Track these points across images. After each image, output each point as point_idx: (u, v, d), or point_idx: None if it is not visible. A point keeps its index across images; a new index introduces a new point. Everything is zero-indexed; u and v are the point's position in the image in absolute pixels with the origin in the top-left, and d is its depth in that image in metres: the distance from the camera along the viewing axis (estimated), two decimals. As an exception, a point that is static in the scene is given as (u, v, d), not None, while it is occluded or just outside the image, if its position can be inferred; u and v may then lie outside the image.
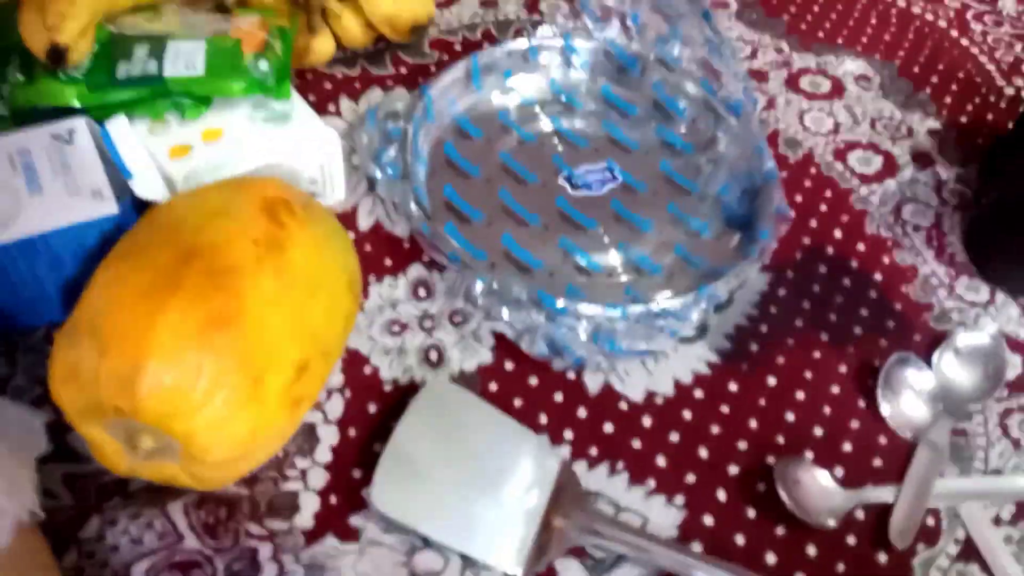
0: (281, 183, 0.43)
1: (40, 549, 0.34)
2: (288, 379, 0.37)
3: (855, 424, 0.47)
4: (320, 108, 0.58)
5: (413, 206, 0.50)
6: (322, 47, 0.57)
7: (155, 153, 0.46)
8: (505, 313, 0.47)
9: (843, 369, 0.50)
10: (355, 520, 0.40)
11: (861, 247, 0.56)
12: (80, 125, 0.45)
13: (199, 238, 0.37)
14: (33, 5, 0.44)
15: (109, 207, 0.42)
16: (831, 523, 0.42)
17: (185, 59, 0.47)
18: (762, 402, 0.48)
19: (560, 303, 0.46)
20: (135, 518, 0.39)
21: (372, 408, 0.45)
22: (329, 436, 0.44)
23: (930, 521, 0.44)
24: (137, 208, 0.44)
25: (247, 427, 0.36)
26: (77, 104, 0.46)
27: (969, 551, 0.43)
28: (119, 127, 0.45)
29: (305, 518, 0.40)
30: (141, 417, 0.34)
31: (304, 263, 0.39)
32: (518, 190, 0.56)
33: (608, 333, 0.46)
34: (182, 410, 0.34)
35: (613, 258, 0.53)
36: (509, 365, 0.48)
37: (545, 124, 0.60)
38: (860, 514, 0.44)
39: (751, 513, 0.43)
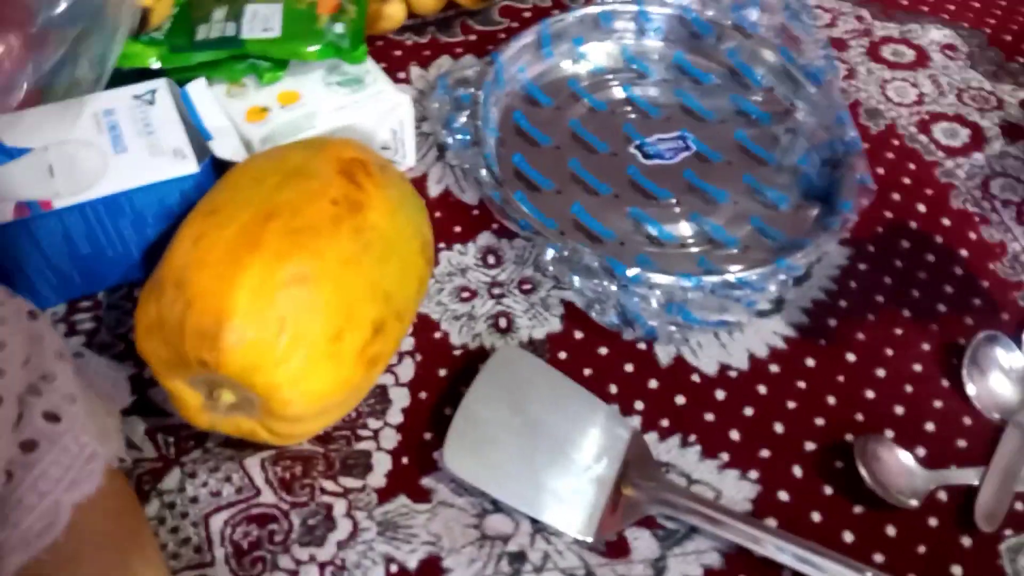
0: (358, 144, 0.43)
1: (127, 492, 0.35)
2: (365, 338, 0.37)
3: (938, 404, 0.46)
4: (390, 75, 0.58)
5: (484, 172, 0.50)
6: (394, 12, 0.57)
7: (233, 115, 0.47)
8: (576, 281, 0.46)
9: (926, 347, 0.48)
10: (426, 481, 0.41)
11: (946, 222, 0.54)
12: (162, 86, 0.46)
13: (279, 197, 0.37)
14: (118, -33, 0.45)
15: (190, 166, 0.43)
16: (913, 503, 0.41)
17: (262, 21, 0.47)
18: (841, 379, 0.46)
19: (632, 271, 0.46)
20: (214, 471, 0.40)
21: (442, 372, 0.45)
22: (400, 398, 0.44)
23: (1019, 506, 0.42)
24: (217, 169, 0.44)
25: (326, 383, 0.36)
26: (158, 66, 0.46)
27: (1060, 538, 0.41)
28: (199, 89, 0.46)
29: (377, 477, 0.41)
30: (224, 370, 0.35)
31: (380, 224, 0.39)
32: (588, 159, 0.55)
33: (681, 303, 0.45)
34: (264, 364, 0.35)
35: (685, 229, 0.52)
36: (578, 334, 0.47)
37: (616, 92, 0.59)
38: (943, 496, 0.42)
39: (828, 490, 0.42)
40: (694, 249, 0.51)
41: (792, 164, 0.55)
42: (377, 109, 0.48)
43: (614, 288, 0.46)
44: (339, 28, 0.48)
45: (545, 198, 0.52)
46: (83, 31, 0.41)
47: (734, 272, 0.47)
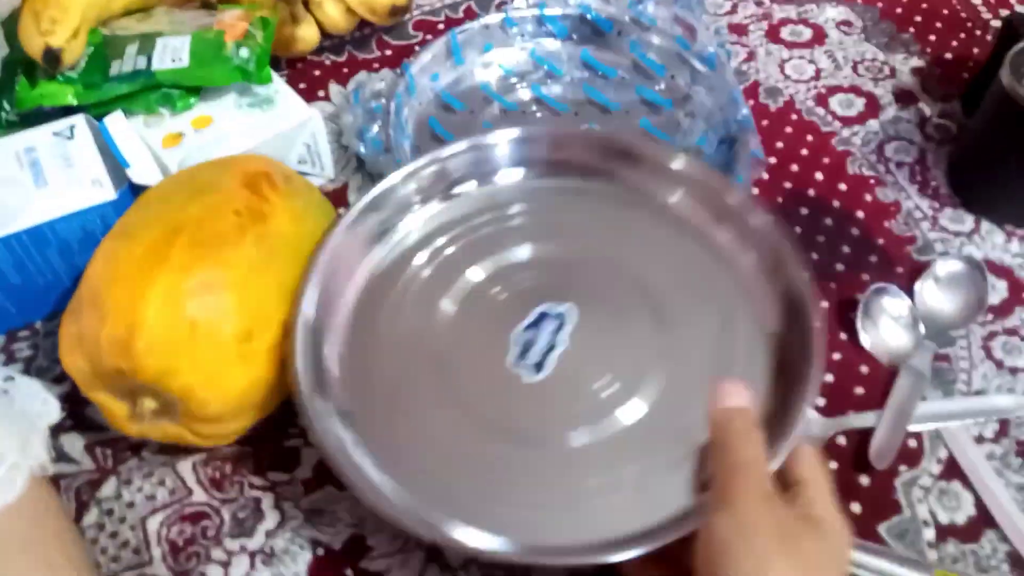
0: (263, 158, 0.45)
1: (50, 497, 0.37)
2: (275, 337, 0.40)
3: (837, 356, 0.48)
4: (310, 94, 0.61)
5: None
6: (307, 35, 0.59)
7: (150, 143, 0.49)
8: None
9: (825, 304, 0.51)
10: (352, 469, 0.43)
11: (843, 187, 0.57)
12: (79, 121, 0.48)
13: (185, 213, 0.40)
14: (30, 13, 0.47)
15: (108, 194, 0.45)
16: (811, 449, 0.43)
17: (172, 53, 0.50)
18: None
19: None
20: (148, 476, 0.42)
21: (366, 368, 0.47)
22: (327, 396, 0.46)
23: (912, 443, 0.45)
24: (135, 194, 0.47)
25: (240, 381, 0.39)
26: (75, 103, 0.49)
27: (951, 470, 0.44)
28: (116, 121, 0.48)
29: (305, 470, 0.43)
30: (141, 376, 0.37)
31: (285, 231, 0.42)
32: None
33: None
34: (178, 367, 0.37)
35: None
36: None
37: (525, 93, 0.62)
38: (842, 440, 0.45)
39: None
40: None
41: (692, 145, 0.57)
42: (288, 125, 0.51)
43: None
44: (244, 53, 0.50)
45: None
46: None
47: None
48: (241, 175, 0.43)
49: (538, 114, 0.60)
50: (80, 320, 0.38)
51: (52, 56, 0.47)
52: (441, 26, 0.67)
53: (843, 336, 0.49)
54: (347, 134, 0.57)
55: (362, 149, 0.55)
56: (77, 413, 0.44)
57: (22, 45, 0.48)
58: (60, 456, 0.43)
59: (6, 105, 0.50)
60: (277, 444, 0.44)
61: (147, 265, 0.38)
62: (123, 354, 0.37)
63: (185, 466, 0.43)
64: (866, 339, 0.48)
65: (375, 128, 0.55)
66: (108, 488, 0.42)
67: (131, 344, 0.36)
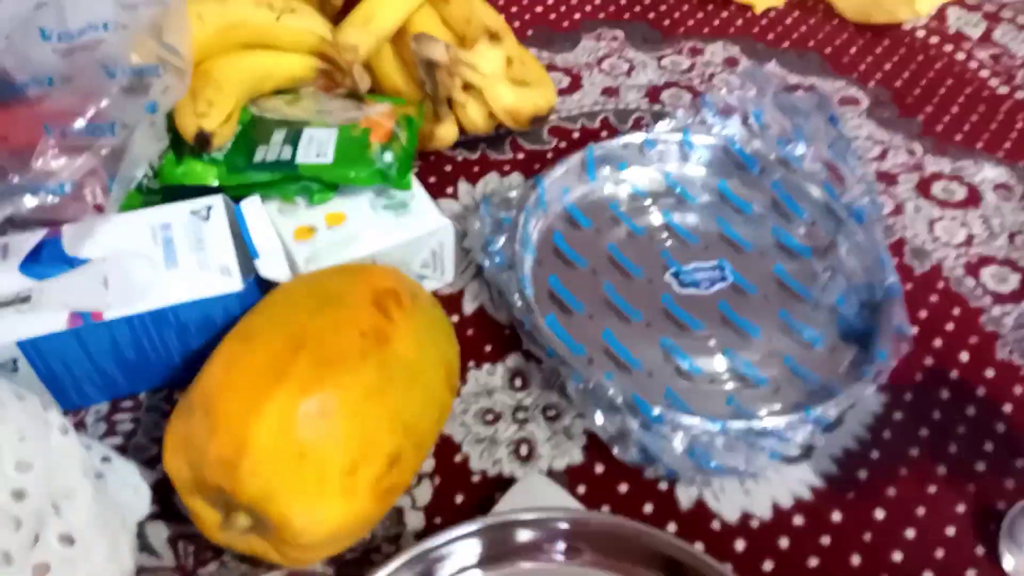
0: (393, 273, 0.44)
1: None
2: (380, 470, 0.38)
3: (971, 574, 0.44)
4: (438, 189, 0.61)
5: (516, 297, 0.51)
6: (446, 134, 0.59)
7: (282, 232, 0.49)
8: (599, 417, 0.46)
9: (961, 509, 0.46)
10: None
11: (990, 373, 0.52)
12: (217, 203, 0.49)
13: (310, 326, 0.39)
14: (189, 94, 0.48)
15: (235, 284, 0.45)
16: None
17: (317, 147, 0.50)
18: (867, 537, 0.45)
19: (656, 411, 0.45)
20: (227, 587, 0.41)
21: (459, 498, 0.45)
22: (415, 522, 0.44)
23: None
24: (261, 286, 0.46)
25: (338, 515, 0.37)
26: (216, 184, 0.49)
27: None
28: (252, 207, 0.48)
29: (384, 606, 0.41)
30: (240, 498, 0.36)
31: (406, 355, 0.40)
32: (623, 284, 0.55)
33: (705, 447, 0.45)
34: (279, 495, 0.36)
35: (718, 363, 0.51)
36: (599, 468, 0.47)
37: (656, 217, 0.60)
38: (972, 677, 0.40)
39: (847, 661, 0.40)
40: (726, 386, 0.50)
41: (830, 303, 0.54)
42: (419, 232, 0.50)
43: (637, 425, 0.46)
44: (388, 157, 0.50)
45: (577, 321, 0.53)
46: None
47: (763, 416, 0.46)
48: (370, 291, 0.42)
49: (667, 241, 0.58)
50: (190, 424, 0.37)
51: (204, 139, 0.48)
52: (576, 134, 0.66)
53: (980, 551, 0.44)
54: (472, 241, 0.56)
55: (486, 262, 0.53)
56: (166, 500, 0.44)
57: (176, 123, 0.49)
58: (143, 546, 0.42)
59: (150, 173, 0.51)
60: (360, 570, 0.42)
61: (265, 379, 0.37)
62: (228, 473, 0.36)
63: (265, 581, 0.41)
64: (1009, 562, 0.43)
65: (501, 241, 0.54)
66: (185, 592, 0.41)
67: (238, 464, 0.35)
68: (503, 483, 0.46)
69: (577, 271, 0.56)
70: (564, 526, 0.40)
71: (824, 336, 0.53)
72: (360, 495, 0.37)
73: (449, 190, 0.61)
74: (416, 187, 0.52)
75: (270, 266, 0.46)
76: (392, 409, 0.39)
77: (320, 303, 0.41)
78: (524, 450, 0.48)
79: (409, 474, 0.40)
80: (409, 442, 0.40)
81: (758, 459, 0.45)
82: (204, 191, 0.49)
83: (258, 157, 0.50)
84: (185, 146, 0.50)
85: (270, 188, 0.50)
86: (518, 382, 0.51)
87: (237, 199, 0.49)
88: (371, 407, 0.38)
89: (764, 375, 0.51)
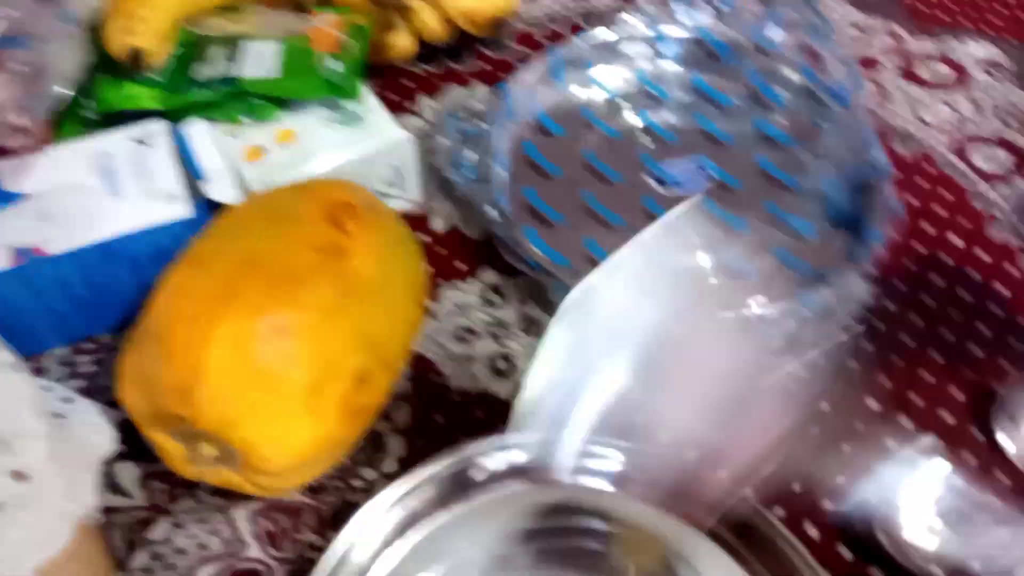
0: (349, 186, 0.42)
1: (94, 550, 0.34)
2: (348, 389, 0.36)
3: (968, 457, 0.42)
4: (399, 106, 0.57)
5: (491, 210, 0.49)
6: (400, 43, 0.56)
7: (231, 154, 0.46)
8: None
9: (956, 393, 0.45)
10: (416, 536, 0.39)
11: (984, 256, 0.50)
12: (160, 128, 0.46)
13: (261, 245, 0.37)
14: (116, 10, 0.45)
15: (183, 210, 0.42)
16: (937, 571, 0.38)
17: (261, 61, 0.47)
18: (859, 427, 0.43)
19: None
20: (202, 523, 0.39)
21: (440, 419, 0.44)
22: (396, 446, 0.43)
23: (1056, 572, 0.39)
24: (211, 211, 0.44)
25: (306, 437, 0.35)
26: (157, 107, 0.46)
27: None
28: (196, 130, 0.46)
29: (366, 531, 0.39)
30: (201, 425, 0.34)
31: (366, 271, 0.38)
32: (602, 190, 0.53)
33: None
34: (240, 419, 0.34)
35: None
36: (582, 377, 0.45)
37: (631, 119, 0.57)
38: (976, 566, 0.39)
39: (846, 554, 0.39)
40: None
41: (817, 190, 0.52)
42: (376, 147, 0.47)
43: None
44: (337, 67, 0.47)
45: (557, 233, 0.51)
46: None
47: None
48: (323, 205, 0.39)
49: (644, 142, 0.55)
50: (143, 354, 0.35)
51: (136, 57, 0.45)
52: (545, 40, 0.63)
53: (978, 435, 0.43)
54: (439, 158, 0.53)
55: (456, 177, 0.51)
56: (134, 439, 0.42)
57: (105, 43, 0.45)
58: (113, 487, 0.40)
59: (90, 103, 0.48)
60: (340, 498, 0.40)
61: (216, 302, 0.35)
62: (184, 401, 0.34)
63: (241, 514, 0.40)
64: (1007, 442, 0.42)
65: (470, 153, 0.51)
66: (160, 530, 0.39)
67: (193, 391, 0.33)
68: (484, 400, 0.44)
69: (553, 181, 0.53)
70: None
71: (814, 225, 0.50)
72: (328, 415, 0.36)
73: (410, 105, 0.58)
74: (371, 100, 0.49)
75: (219, 189, 0.43)
76: (355, 326, 0.37)
77: (271, 221, 0.38)
78: (502, 364, 0.46)
79: (380, 394, 0.39)
80: (377, 360, 0.38)
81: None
82: (146, 116, 0.46)
83: (199, 76, 0.47)
84: (124, 71, 0.47)
85: (215, 109, 0.47)
86: (494, 298, 0.49)
87: (180, 123, 0.46)
88: (331, 324, 0.36)
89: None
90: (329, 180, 0.43)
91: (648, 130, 0.56)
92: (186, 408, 0.34)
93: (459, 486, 0.38)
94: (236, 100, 0.47)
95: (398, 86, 0.59)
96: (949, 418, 0.44)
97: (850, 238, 0.49)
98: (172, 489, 0.41)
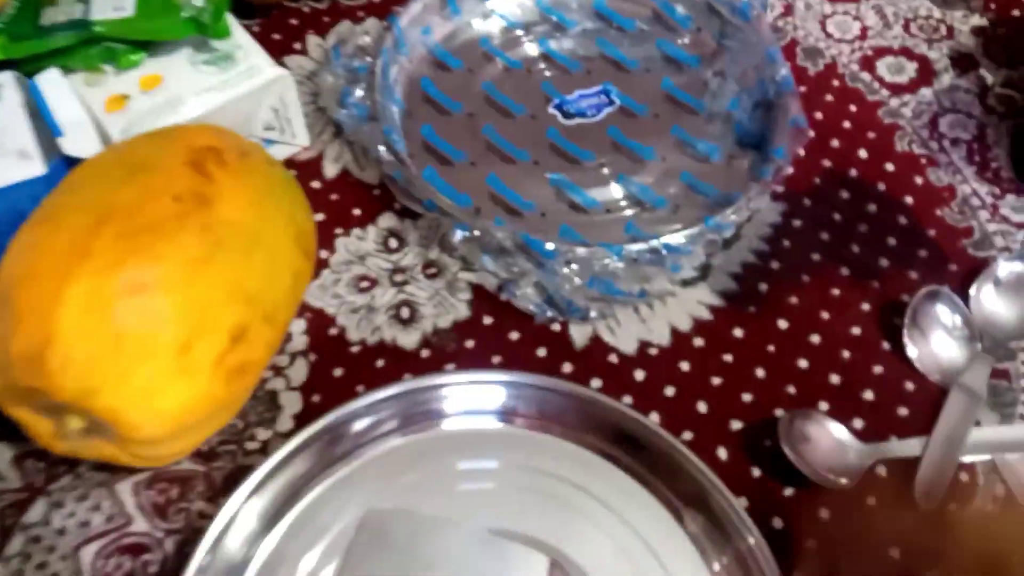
0: (215, 130, 0.39)
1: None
2: (222, 347, 0.34)
3: (878, 369, 0.42)
4: (284, 47, 0.54)
5: (383, 150, 0.46)
6: (280, -22, 0.52)
7: (91, 106, 0.42)
8: (488, 262, 0.42)
9: (866, 307, 0.44)
10: (315, 494, 0.37)
11: (890, 167, 0.50)
12: (7, 80, 0.42)
13: (116, 197, 0.34)
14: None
15: (36, 168, 0.39)
16: (843, 482, 0.38)
17: (114, 0, 0.43)
18: (771, 348, 0.43)
19: (549, 246, 0.42)
20: (82, 499, 0.37)
21: (338, 372, 0.42)
22: (292, 403, 0.40)
23: (964, 476, 0.39)
24: (71, 168, 0.40)
25: (178, 401, 0.33)
26: (2, 57, 0.42)
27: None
28: (50, 81, 0.42)
29: (262, 494, 0.37)
30: (59, 396, 0.31)
31: (237, 218, 0.35)
32: (504, 124, 0.50)
33: (604, 276, 0.41)
34: (100, 386, 0.31)
35: (612, 192, 0.48)
36: (488, 320, 0.43)
37: (532, 48, 0.54)
38: (882, 470, 0.39)
39: (756, 472, 0.39)
40: (624, 213, 0.47)
41: (722, 110, 0.50)
42: (250, 87, 0.44)
43: (530, 266, 0.42)
44: (199, 1, 0.43)
45: (458, 171, 0.48)
46: None
47: (662, 236, 0.43)
48: (185, 151, 0.36)
49: (546, 72, 0.53)
50: (-10, 324, 0.32)
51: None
52: (437, -31, 0.59)
53: (886, 346, 0.43)
54: (326, 98, 0.50)
55: (344, 117, 0.48)
56: (5, 419, 0.39)
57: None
58: (-17, 472, 0.38)
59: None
60: (234, 461, 0.38)
61: (67, 261, 0.32)
62: (36, 371, 0.31)
63: (124, 487, 0.37)
64: (913, 351, 0.42)
65: (359, 91, 0.48)
66: (36, 511, 0.37)
67: (44, 360, 0.31)
68: (386, 350, 0.42)
69: (452, 117, 0.51)
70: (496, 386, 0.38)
71: (720, 147, 0.49)
72: (201, 375, 0.33)
73: (297, 46, 0.54)
74: (244, 39, 0.46)
75: (77, 143, 0.40)
76: (227, 278, 0.34)
77: (128, 172, 0.35)
78: (405, 313, 0.44)
79: (263, 349, 0.36)
80: (256, 314, 0.35)
81: (659, 278, 0.42)
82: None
83: (46, 20, 0.42)
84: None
85: (68, 56, 0.43)
86: (393, 243, 0.46)
87: (33, 75, 0.42)
88: (199, 277, 0.33)
89: (662, 196, 0.47)
90: (193, 125, 0.40)
91: (549, 58, 0.54)
92: (39, 378, 0.31)
93: (340, 445, 0.37)
94: (91, 46, 0.43)
95: (283, 26, 0.55)
96: (857, 331, 0.43)
97: (756, 158, 0.48)
98: (50, 468, 0.38)
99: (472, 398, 0.39)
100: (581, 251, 0.42)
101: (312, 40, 0.55)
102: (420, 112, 0.51)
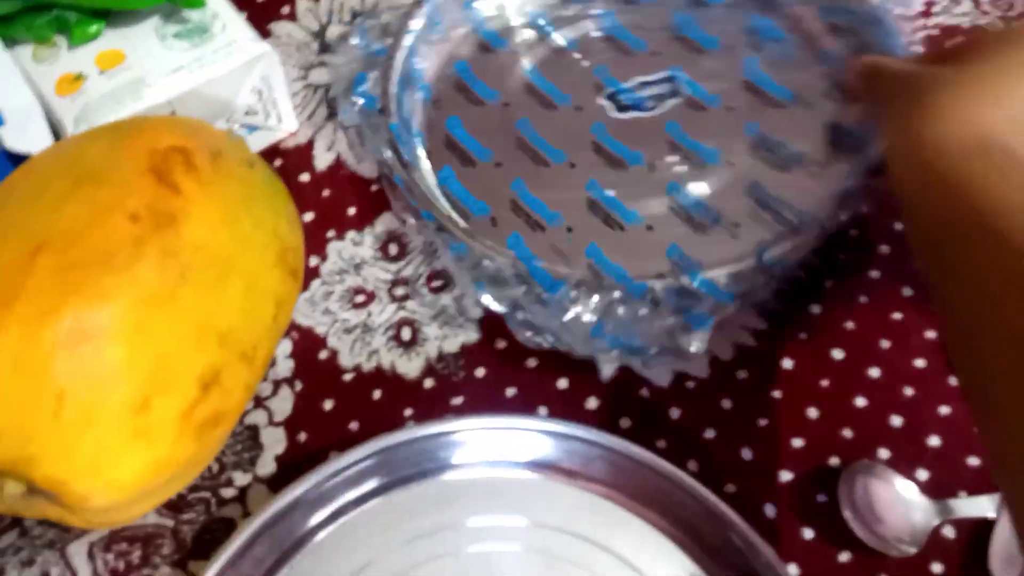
0: (184, 124, 0.32)
1: None
2: (189, 399, 0.28)
3: (945, 410, 0.37)
4: (271, 11, 0.47)
5: (385, 150, 0.39)
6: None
7: (40, 86, 0.36)
8: (486, 298, 0.36)
9: (931, 335, 0.39)
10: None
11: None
12: (-63, 55, 0.35)
13: (56, 218, 0.28)
14: None
15: (-32, 167, 0.33)
16: (911, 550, 0.33)
17: (64, -41, 0.36)
18: (825, 383, 0.37)
19: (546, 270, 0.35)
20: (28, 564, 0.32)
21: (328, 405, 0.36)
22: (275, 442, 0.35)
23: (1044, 542, 0.34)
24: (14, 165, 0.34)
25: (137, 467, 0.28)
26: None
27: (1097, 583, 0.33)
28: (-12, 55, 0.35)
29: (241, 556, 0.32)
30: (-10, 465, 0.26)
31: (208, 240, 0.29)
32: (543, 117, 0.43)
33: (621, 322, 0.35)
34: (41, 455, 0.26)
35: (657, 205, 0.40)
36: (501, 343, 0.38)
37: (593, 23, 0.46)
38: (950, 532, 0.34)
39: (808, 534, 0.34)
40: (667, 234, 0.39)
41: (815, 103, 0.41)
42: (230, 67, 0.37)
43: (531, 301, 0.36)
44: (165, -38, 0.36)
45: (480, 173, 0.41)
46: None
47: (704, 271, 0.36)
48: (145, 154, 0.30)
49: (603, 55, 0.44)
50: (-95, 373, 0.27)
51: None
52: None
53: (954, 382, 0.38)
54: (337, 86, 0.43)
55: (346, 111, 0.41)
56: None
57: None
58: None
59: None
60: (206, 513, 0.33)
61: (-5, 300, 0.26)
62: (-43, 437, 0.25)
63: (78, 549, 0.32)
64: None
65: (373, 78, 0.41)
66: (-25, 575, 0.32)
67: (-33, 425, 0.25)
68: (383, 379, 0.37)
69: (485, 108, 0.43)
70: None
71: (811, 149, 0.40)
72: (164, 435, 0.28)
73: (285, 10, 0.47)
74: (220, 5, 0.39)
75: (21, 135, 0.34)
76: (194, 316, 0.29)
77: (73, 182, 0.29)
78: (407, 334, 0.38)
79: (240, 392, 0.31)
80: (231, 354, 0.30)
81: (683, 337, 0.35)
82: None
83: (-19, -19, 0.36)
84: None
85: (12, 26, 0.36)
86: (393, 249, 0.40)
87: (-30, 48, 0.36)
88: (158, 318, 0.28)
89: (720, 212, 0.39)
90: (156, 119, 0.34)
91: (611, 38, 0.46)
92: (-37, 445, 0.25)
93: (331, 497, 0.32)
94: (40, 13, 0.36)
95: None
96: (921, 364, 0.38)
97: (854, 167, 0.39)
98: (-7, 521, 0.33)
99: (483, 446, 0.34)
100: (593, 288, 0.35)
101: (302, 5, 0.48)
102: (449, 101, 0.44)
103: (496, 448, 0.34)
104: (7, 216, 0.28)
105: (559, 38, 0.46)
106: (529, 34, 0.46)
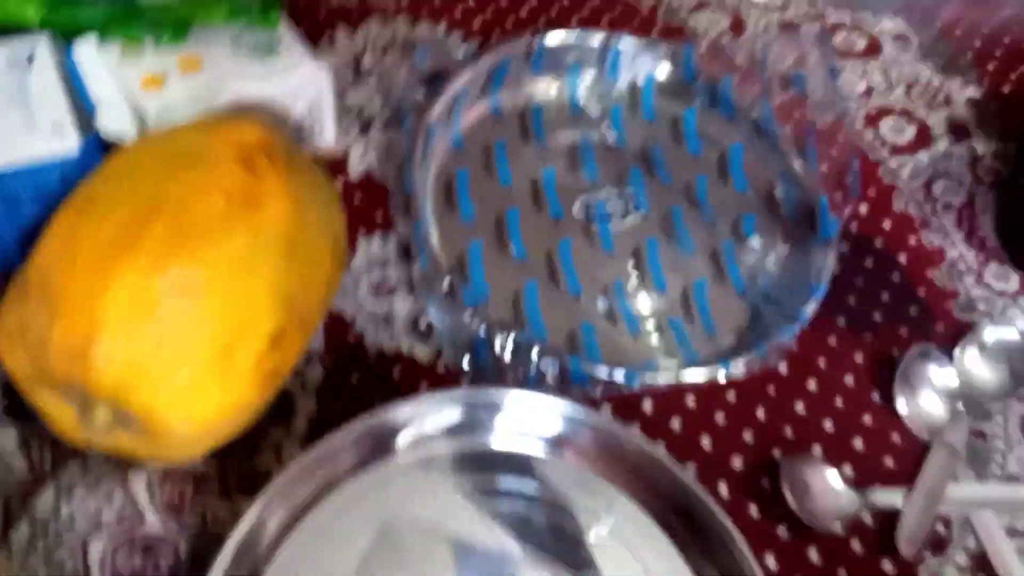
0: (265, 125, 0.38)
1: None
2: (261, 351, 0.34)
3: (868, 419, 0.45)
4: (312, 38, 0.53)
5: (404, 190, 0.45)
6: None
7: (127, 81, 0.41)
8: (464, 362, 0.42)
9: (859, 358, 0.47)
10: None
11: (887, 225, 0.53)
12: (42, 45, 0.40)
13: (163, 190, 0.33)
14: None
15: (71, 144, 0.38)
16: (837, 527, 0.40)
17: (160, -22, 0.42)
18: (771, 390, 0.45)
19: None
20: (94, 488, 0.36)
21: (354, 378, 0.42)
22: (307, 406, 0.40)
23: (940, 528, 0.41)
24: (101, 147, 0.39)
25: (213, 404, 0.33)
26: (38, 21, 0.41)
27: (980, 563, 0.41)
28: (87, 50, 0.40)
29: (277, 496, 0.37)
30: (96, 391, 0.31)
31: (283, 221, 0.35)
32: (530, 212, 0.48)
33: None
34: (140, 385, 0.31)
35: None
36: (504, 338, 0.44)
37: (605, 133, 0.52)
38: (867, 517, 0.41)
39: (753, 511, 0.41)
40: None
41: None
42: (290, 82, 0.43)
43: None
44: (248, -11, 0.43)
45: (457, 226, 0.47)
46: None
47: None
48: (235, 146, 0.36)
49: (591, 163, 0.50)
50: (26, 309, 0.32)
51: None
52: (466, -23, 0.60)
53: (876, 397, 0.45)
54: (383, 111, 0.49)
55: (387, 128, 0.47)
56: (13, 397, 0.38)
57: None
58: (-13, 453, 0.37)
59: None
60: (247, 462, 0.38)
61: (113, 254, 0.31)
62: (76, 363, 0.30)
63: (138, 481, 0.37)
64: (903, 406, 0.44)
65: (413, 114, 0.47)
66: (45, 499, 0.36)
67: (87, 355, 0.30)
68: (402, 361, 0.42)
69: (494, 181, 0.49)
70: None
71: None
72: (239, 380, 0.33)
73: (326, 39, 0.54)
74: (287, 29, 0.45)
75: (112, 121, 0.39)
76: (270, 282, 0.34)
77: (174, 164, 0.35)
78: (423, 325, 0.44)
79: (294, 355, 0.36)
80: (293, 320, 0.35)
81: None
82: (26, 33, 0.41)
83: (86, -11, 0.41)
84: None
85: (108, 27, 0.41)
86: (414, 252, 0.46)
87: (68, 41, 0.41)
88: (244, 280, 0.33)
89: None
90: (242, 116, 0.39)
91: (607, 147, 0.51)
92: (79, 371, 0.30)
93: (376, 450, 0.37)
94: (133, 19, 0.42)
95: (309, 16, 0.55)
96: (850, 380, 0.46)
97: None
98: (58, 454, 0.37)
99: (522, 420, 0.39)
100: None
101: (341, 34, 0.54)
102: (472, 154, 0.49)
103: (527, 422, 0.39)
104: (121, 185, 0.34)
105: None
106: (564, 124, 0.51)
